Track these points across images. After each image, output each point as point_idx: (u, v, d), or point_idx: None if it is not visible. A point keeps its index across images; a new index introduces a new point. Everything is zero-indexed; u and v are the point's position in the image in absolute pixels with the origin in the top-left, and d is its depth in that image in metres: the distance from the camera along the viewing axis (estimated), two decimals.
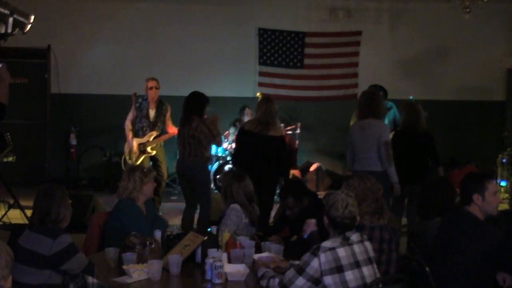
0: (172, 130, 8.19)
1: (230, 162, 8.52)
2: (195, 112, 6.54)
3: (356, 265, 3.42)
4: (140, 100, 8.11)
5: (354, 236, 3.51)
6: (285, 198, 4.93)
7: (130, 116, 8.04)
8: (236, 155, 6.54)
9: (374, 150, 6.10)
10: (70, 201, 3.84)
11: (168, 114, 8.24)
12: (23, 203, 7.32)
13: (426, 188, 4.71)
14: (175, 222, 7.12)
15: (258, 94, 9.61)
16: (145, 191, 4.70)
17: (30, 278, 3.52)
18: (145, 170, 4.82)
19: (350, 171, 6.42)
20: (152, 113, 8.14)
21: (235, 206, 4.81)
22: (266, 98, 6.78)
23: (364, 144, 6.17)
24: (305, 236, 4.21)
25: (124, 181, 4.70)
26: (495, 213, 4.03)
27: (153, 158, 8.15)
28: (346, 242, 3.46)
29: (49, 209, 3.68)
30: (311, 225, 4.21)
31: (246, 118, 9.11)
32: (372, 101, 6.22)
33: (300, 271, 3.41)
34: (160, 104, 8.16)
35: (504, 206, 8.23)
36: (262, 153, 6.17)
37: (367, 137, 6.15)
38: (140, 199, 4.69)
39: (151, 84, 8.05)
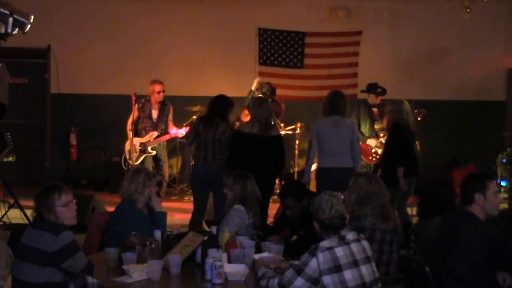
0: (174, 131, 8.21)
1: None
2: (219, 115, 6.45)
3: (355, 264, 3.43)
4: (143, 101, 8.15)
5: (350, 235, 3.52)
6: (285, 198, 4.93)
7: (131, 116, 8.07)
8: (232, 157, 6.33)
9: (348, 147, 6.32)
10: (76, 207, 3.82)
11: (171, 115, 8.27)
12: (23, 203, 7.32)
13: (425, 188, 4.71)
14: (175, 221, 7.10)
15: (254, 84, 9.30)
16: (146, 194, 4.68)
17: (34, 276, 3.52)
18: (150, 173, 4.81)
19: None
20: (155, 113, 8.18)
21: (239, 207, 4.78)
22: (259, 99, 6.77)
23: (339, 141, 6.33)
24: None
25: (127, 181, 4.68)
26: (496, 214, 4.04)
27: (155, 158, 8.17)
28: (343, 241, 3.47)
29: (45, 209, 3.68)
30: None
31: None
32: (343, 100, 6.46)
33: (299, 271, 3.41)
34: (163, 105, 8.20)
35: (504, 206, 8.23)
36: (262, 154, 6.15)
37: (342, 134, 6.33)
38: (141, 202, 4.67)
39: (158, 88, 8.09)
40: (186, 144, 6.72)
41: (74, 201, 3.78)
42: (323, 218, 3.52)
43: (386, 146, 7.06)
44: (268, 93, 8.63)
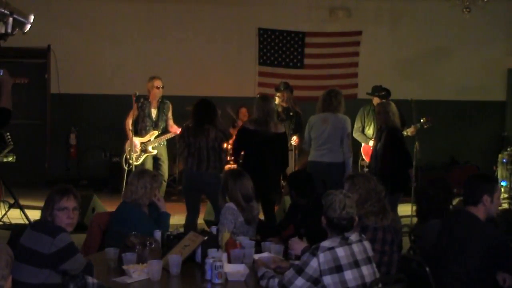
0: (174, 129, 8.22)
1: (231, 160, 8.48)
2: (208, 121, 6.30)
3: (355, 264, 3.42)
4: (142, 100, 8.14)
5: (353, 236, 3.52)
6: (289, 186, 5.22)
7: (130, 116, 8.06)
8: (236, 153, 6.47)
9: (337, 143, 6.55)
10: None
11: (170, 113, 8.27)
12: (23, 203, 7.33)
13: (421, 190, 4.71)
14: (175, 221, 7.10)
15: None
16: (151, 196, 4.71)
17: (30, 277, 3.51)
18: (154, 174, 4.83)
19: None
20: (154, 112, 8.17)
21: (230, 205, 4.84)
22: (263, 97, 6.79)
23: (327, 137, 6.61)
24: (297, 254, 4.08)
25: (132, 186, 4.67)
26: (495, 215, 4.04)
27: (154, 157, 8.17)
28: (345, 242, 3.46)
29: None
30: (297, 244, 4.18)
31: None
32: (335, 98, 6.76)
33: (300, 271, 3.41)
34: (162, 103, 8.19)
35: (504, 206, 8.24)
36: (267, 151, 6.21)
37: (330, 130, 6.60)
38: (146, 204, 4.70)
39: (157, 83, 8.09)
40: (178, 154, 6.63)
41: (77, 211, 3.75)
42: (332, 216, 3.51)
43: (385, 152, 6.69)
44: (286, 88, 8.73)
